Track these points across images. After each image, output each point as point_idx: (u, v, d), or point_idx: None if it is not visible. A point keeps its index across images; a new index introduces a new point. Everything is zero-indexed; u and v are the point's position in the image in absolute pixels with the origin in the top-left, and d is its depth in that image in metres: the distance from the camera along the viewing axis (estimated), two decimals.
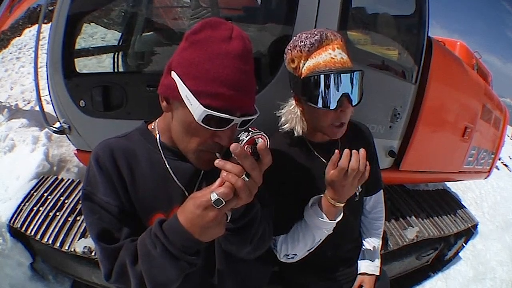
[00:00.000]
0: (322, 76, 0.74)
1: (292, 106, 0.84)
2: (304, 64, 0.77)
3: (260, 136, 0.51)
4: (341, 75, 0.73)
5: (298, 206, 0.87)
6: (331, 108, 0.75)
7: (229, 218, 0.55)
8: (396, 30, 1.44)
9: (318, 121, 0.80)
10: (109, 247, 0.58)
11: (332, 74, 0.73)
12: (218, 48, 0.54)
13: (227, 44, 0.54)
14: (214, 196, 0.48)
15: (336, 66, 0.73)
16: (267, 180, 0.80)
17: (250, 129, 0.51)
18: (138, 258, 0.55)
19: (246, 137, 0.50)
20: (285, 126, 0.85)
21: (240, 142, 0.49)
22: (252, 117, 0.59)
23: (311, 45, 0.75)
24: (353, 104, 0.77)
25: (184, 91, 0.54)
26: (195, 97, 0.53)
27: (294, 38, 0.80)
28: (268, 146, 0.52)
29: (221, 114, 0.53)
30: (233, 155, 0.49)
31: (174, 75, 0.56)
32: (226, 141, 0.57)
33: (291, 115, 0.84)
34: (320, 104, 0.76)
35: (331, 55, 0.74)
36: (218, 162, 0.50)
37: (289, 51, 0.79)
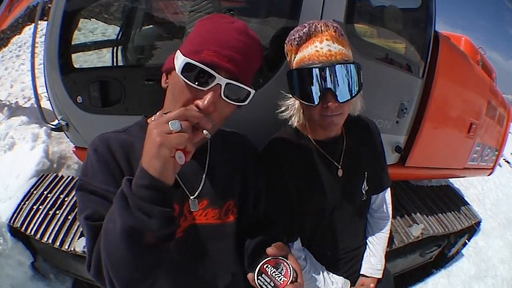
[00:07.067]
0: (303, 71, 0.72)
1: (292, 98, 0.83)
2: (294, 58, 0.76)
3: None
4: (322, 69, 0.69)
5: (302, 201, 0.86)
6: (314, 104, 0.73)
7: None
8: (403, 23, 1.40)
9: (310, 114, 0.79)
10: (95, 224, 0.54)
11: (314, 69, 0.70)
12: (222, 24, 0.57)
13: (231, 24, 0.57)
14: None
15: (320, 59, 0.69)
16: (270, 177, 0.79)
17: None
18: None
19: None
20: (283, 114, 0.85)
21: None
22: (241, 85, 0.54)
23: (300, 38, 0.73)
24: (340, 101, 0.72)
25: (178, 56, 0.55)
26: (183, 55, 0.53)
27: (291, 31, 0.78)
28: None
29: (200, 64, 0.51)
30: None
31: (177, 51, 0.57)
32: (206, 105, 0.52)
33: (289, 106, 0.84)
34: (304, 99, 0.75)
35: (317, 47, 0.70)
36: None
37: (285, 45, 0.79)
